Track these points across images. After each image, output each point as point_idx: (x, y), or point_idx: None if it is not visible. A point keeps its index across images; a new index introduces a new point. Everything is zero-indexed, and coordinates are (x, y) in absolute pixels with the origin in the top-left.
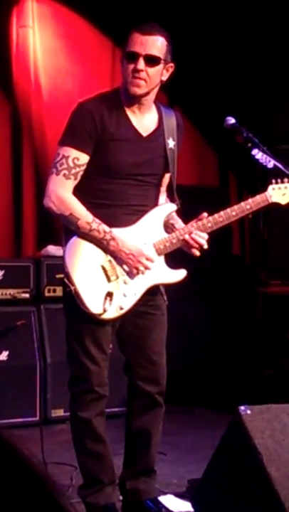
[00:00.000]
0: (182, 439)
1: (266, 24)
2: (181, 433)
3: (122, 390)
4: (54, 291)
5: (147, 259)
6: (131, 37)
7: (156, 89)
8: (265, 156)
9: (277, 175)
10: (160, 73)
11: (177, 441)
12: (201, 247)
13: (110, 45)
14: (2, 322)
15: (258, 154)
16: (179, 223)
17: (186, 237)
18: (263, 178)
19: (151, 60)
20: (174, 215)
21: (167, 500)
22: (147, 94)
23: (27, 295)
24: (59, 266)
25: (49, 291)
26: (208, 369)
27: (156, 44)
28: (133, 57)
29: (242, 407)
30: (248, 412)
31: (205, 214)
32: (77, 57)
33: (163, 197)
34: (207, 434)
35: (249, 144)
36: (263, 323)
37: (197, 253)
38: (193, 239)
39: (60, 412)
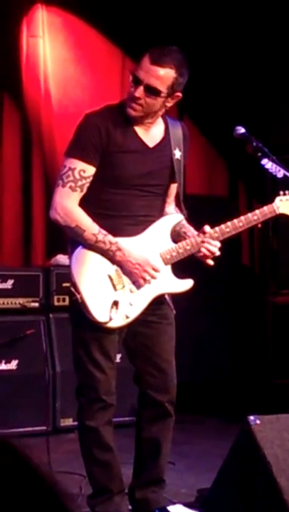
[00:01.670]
0: (192, 448)
1: (276, 34)
2: (190, 442)
3: (131, 399)
4: (63, 300)
5: (154, 269)
6: (142, 59)
7: (159, 112)
8: (274, 165)
9: (286, 184)
10: (160, 103)
11: (187, 450)
12: (213, 255)
13: (120, 54)
14: (11, 331)
15: (267, 164)
16: (191, 231)
17: (203, 250)
18: (272, 188)
19: (151, 91)
20: (185, 223)
21: (176, 509)
22: (145, 117)
23: (36, 304)
24: (68, 275)
25: (58, 300)
26: (218, 379)
27: (161, 76)
28: (136, 81)
29: (251, 417)
30: (258, 421)
31: (207, 227)
32: (87, 67)
33: (172, 206)
34: (217, 444)
35: (259, 154)
36: (273, 332)
37: (211, 263)
38: (205, 248)
39: (69, 421)
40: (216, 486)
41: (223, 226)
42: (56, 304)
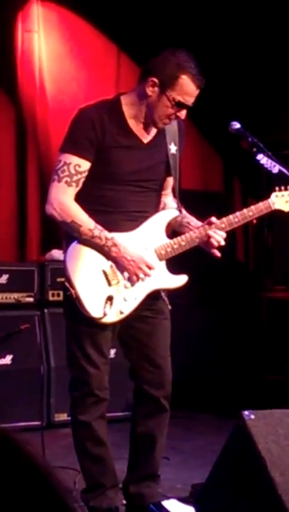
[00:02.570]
0: (186, 443)
1: (271, 29)
2: (184, 438)
3: (125, 395)
4: (58, 295)
5: (148, 266)
6: (186, 83)
7: None
8: (270, 161)
9: (281, 180)
10: None
11: (181, 445)
12: (219, 245)
13: (115, 50)
14: (6, 326)
15: (262, 159)
16: (194, 221)
17: (211, 240)
18: (267, 184)
19: None
20: (187, 214)
21: (171, 504)
22: None
23: (31, 299)
24: (63, 270)
25: (53, 295)
26: (213, 374)
27: None
28: (182, 107)
29: (246, 412)
30: (252, 416)
31: (213, 218)
32: (82, 62)
33: (170, 198)
34: (211, 439)
35: (254, 149)
36: (268, 328)
37: (218, 253)
38: (211, 236)
39: (63, 416)
40: (211, 481)
41: (218, 222)
42: (51, 298)
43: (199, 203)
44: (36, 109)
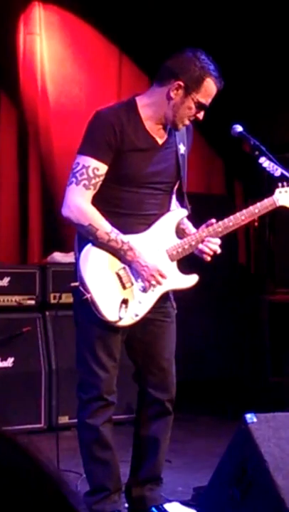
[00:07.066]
0: (188, 446)
1: (272, 31)
2: (187, 441)
3: (128, 397)
4: (60, 297)
5: (161, 275)
6: (210, 85)
7: None
8: (272, 164)
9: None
10: None
11: (183, 448)
12: (214, 253)
13: (117, 52)
14: (7, 329)
15: (265, 162)
16: (189, 228)
17: (200, 246)
18: (269, 186)
19: None
20: (184, 219)
21: (173, 507)
22: None
23: (32, 302)
24: (65, 273)
25: (54, 297)
26: (215, 377)
27: None
28: (202, 107)
29: (248, 415)
30: (255, 420)
31: (213, 220)
32: (84, 65)
33: (173, 200)
34: (213, 442)
35: (256, 152)
36: (269, 331)
37: (208, 259)
38: (207, 246)
39: (65, 419)
40: (213, 484)
41: (226, 220)
42: (52, 301)
43: (201, 205)
44: (38, 112)
